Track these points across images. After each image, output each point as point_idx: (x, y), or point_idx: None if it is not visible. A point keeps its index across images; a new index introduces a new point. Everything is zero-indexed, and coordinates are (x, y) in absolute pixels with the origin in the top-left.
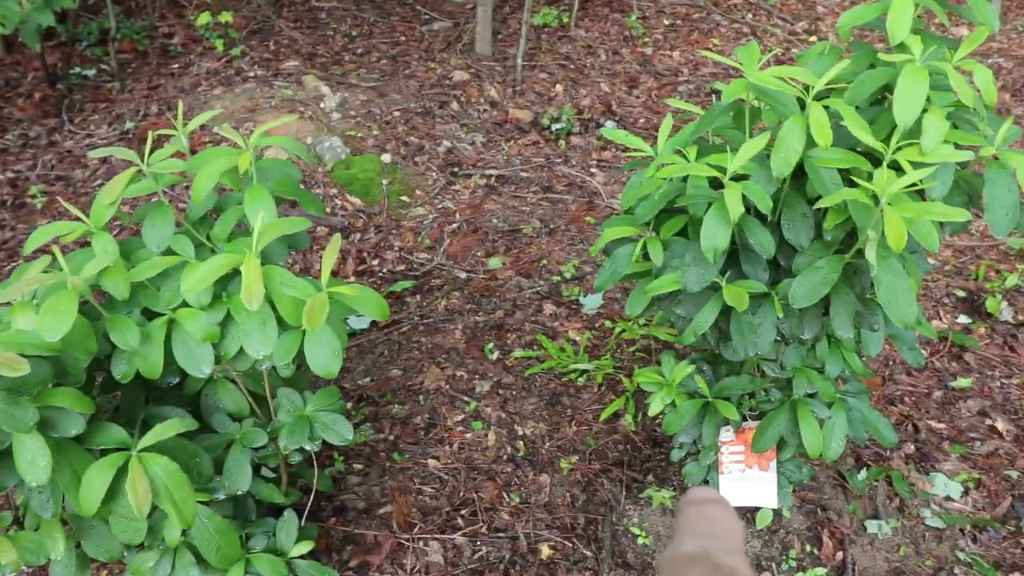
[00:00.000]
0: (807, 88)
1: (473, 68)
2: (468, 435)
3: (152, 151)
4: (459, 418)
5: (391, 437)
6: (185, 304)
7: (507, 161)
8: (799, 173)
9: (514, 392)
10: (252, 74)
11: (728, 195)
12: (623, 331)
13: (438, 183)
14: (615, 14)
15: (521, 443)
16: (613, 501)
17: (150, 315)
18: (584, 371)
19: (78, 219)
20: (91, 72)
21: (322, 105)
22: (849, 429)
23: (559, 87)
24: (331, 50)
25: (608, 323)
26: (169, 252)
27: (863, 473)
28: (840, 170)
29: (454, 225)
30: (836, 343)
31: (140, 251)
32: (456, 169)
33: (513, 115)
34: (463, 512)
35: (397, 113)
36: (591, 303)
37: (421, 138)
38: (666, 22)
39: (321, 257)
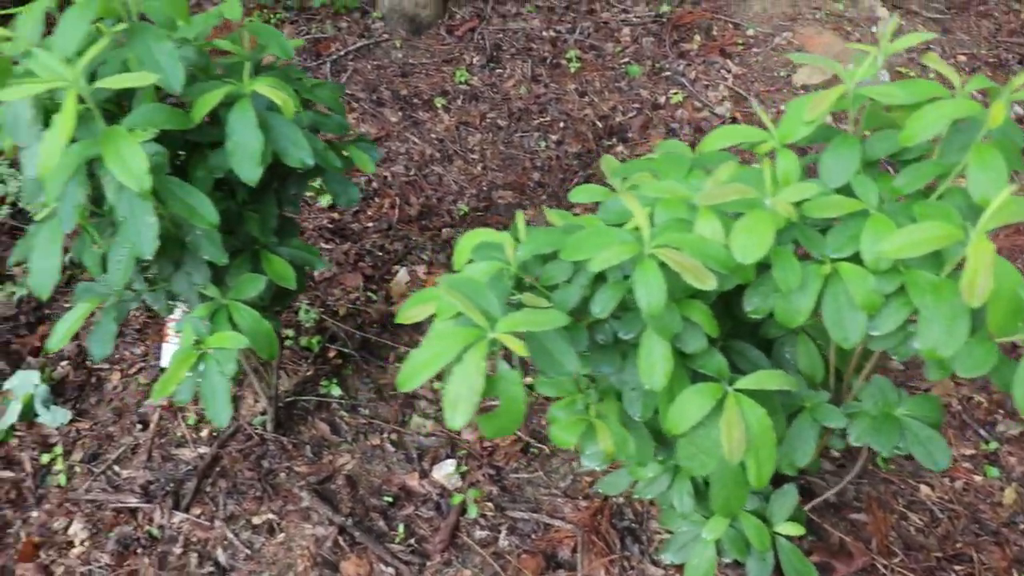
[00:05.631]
0: None
1: None
2: (977, 478)
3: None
4: (969, 452)
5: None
6: (853, 259)
7: None
8: None
9: None
10: None
11: None
12: None
13: None
14: None
15: None
16: None
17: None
18: None
19: (763, 127)
20: None
21: (874, 29)
22: None
23: None
24: None
25: None
26: (845, 192)
27: None
28: None
29: None
30: None
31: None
32: None
33: None
34: (956, 568)
35: (962, 58)
36: None
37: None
38: None
39: None
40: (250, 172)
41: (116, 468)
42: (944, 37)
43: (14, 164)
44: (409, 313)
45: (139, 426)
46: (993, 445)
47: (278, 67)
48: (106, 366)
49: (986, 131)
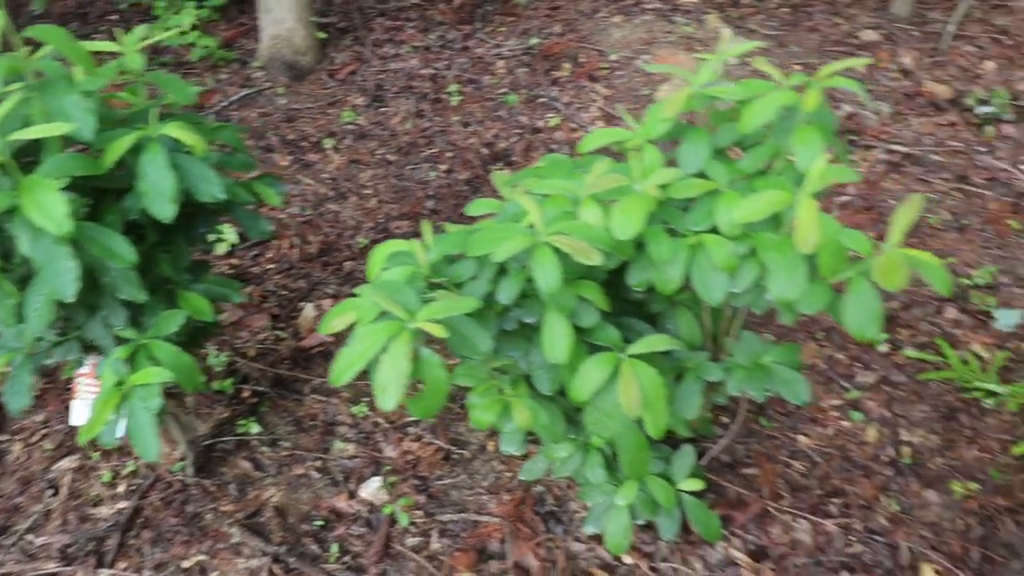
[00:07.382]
0: None
1: (885, 29)
2: (844, 423)
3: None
4: (835, 403)
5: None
6: (712, 231)
7: (916, 139)
8: None
9: (903, 393)
10: (651, 6)
11: None
12: None
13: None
14: None
15: (907, 449)
16: (1021, 547)
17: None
18: (993, 393)
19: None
20: None
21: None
22: None
23: (989, 64)
24: None
25: None
26: (699, 175)
27: None
28: None
29: (845, 198)
30: None
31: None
32: (855, 138)
33: (928, 88)
34: (835, 500)
35: (797, 67)
36: (1007, 319)
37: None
38: None
39: None
40: (165, 210)
41: (28, 537)
42: (781, 50)
43: None
44: (331, 323)
45: (50, 491)
46: (855, 394)
47: (177, 113)
48: (6, 437)
49: (805, 115)
